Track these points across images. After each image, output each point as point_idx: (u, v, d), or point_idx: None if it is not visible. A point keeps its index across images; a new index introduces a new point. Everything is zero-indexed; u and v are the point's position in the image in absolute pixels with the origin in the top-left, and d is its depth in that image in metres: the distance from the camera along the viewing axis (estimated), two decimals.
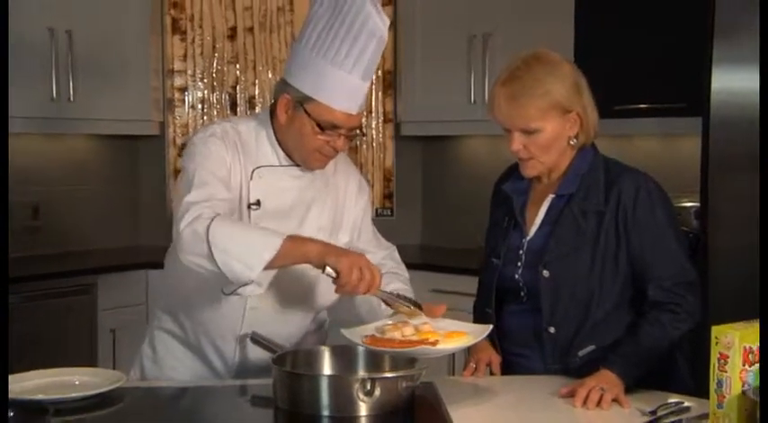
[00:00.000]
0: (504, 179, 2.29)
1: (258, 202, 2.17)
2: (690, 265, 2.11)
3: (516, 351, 2.19)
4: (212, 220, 1.97)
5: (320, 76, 2.07)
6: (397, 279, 2.29)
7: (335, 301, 2.23)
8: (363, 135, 2.13)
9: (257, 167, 2.18)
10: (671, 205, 2.18)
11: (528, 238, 2.16)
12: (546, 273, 2.10)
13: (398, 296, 2.08)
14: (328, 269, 1.95)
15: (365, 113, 4.49)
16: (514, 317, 2.18)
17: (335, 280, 1.95)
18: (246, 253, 1.94)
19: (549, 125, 2.08)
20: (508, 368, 2.20)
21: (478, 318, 2.23)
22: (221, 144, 2.15)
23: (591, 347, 2.10)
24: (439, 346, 1.95)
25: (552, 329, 2.10)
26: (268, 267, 1.95)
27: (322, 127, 2.09)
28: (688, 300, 2.06)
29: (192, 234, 1.97)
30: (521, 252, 2.16)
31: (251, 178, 2.18)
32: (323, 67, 2.07)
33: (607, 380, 1.94)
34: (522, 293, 2.15)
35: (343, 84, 2.07)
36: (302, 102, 2.10)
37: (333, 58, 2.06)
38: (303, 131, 2.12)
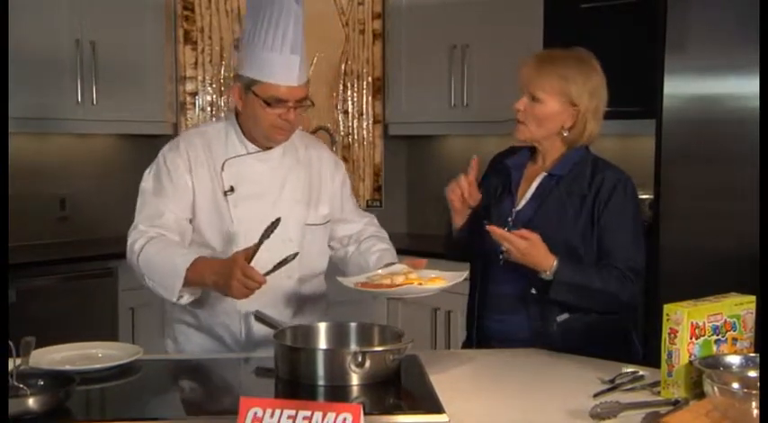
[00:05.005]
0: (504, 155, 2.31)
1: (232, 189, 2.23)
2: (640, 258, 2.12)
3: (497, 317, 2.19)
4: (141, 249, 2.15)
5: (257, 60, 2.17)
6: (379, 240, 2.39)
7: (323, 270, 2.36)
8: (312, 105, 2.22)
9: (227, 159, 2.25)
10: (639, 207, 2.20)
11: (518, 208, 2.18)
12: None
13: (278, 266, 2.09)
14: None
15: (357, 115, 4.51)
16: (498, 285, 2.17)
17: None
18: (164, 281, 2.13)
19: (552, 103, 2.12)
20: (488, 333, 2.20)
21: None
22: (180, 154, 2.24)
23: (566, 315, 2.11)
24: (424, 286, 2.00)
25: (534, 291, 2.10)
26: (183, 291, 2.13)
27: (269, 102, 2.16)
28: (631, 281, 2.08)
29: (130, 263, 2.19)
30: (509, 219, 2.17)
31: (222, 169, 2.23)
32: (258, 52, 2.17)
33: (542, 248, 1.99)
34: (501, 258, 2.12)
35: (277, 61, 2.15)
36: (249, 85, 2.18)
37: (263, 43, 2.16)
38: (256, 111, 2.19)
